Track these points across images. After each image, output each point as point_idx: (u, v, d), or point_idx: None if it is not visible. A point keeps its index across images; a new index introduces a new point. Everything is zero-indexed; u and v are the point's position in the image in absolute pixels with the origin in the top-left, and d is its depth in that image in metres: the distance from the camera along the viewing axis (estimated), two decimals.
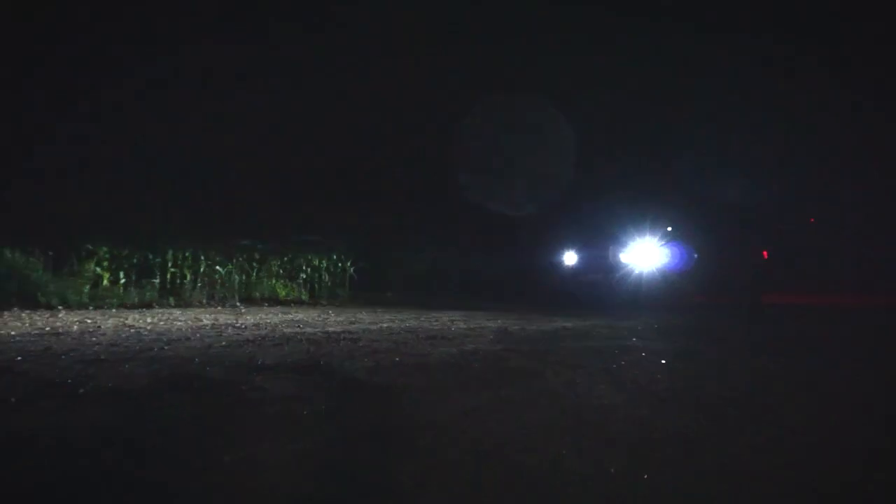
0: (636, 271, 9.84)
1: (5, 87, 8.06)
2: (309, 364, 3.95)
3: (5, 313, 7.48)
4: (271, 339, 5.25)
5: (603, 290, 10.05)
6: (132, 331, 5.75)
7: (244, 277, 9.99)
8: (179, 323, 6.66)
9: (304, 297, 10.14)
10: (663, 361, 4.43)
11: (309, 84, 10.21)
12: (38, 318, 6.96)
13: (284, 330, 6.10)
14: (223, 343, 4.95)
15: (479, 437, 2.47)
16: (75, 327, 5.97)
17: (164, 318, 7.33)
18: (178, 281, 9.61)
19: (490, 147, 11.85)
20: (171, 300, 9.28)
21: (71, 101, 8.41)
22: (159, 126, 9.11)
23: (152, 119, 9.10)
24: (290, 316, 7.87)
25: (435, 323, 6.96)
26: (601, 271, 10.16)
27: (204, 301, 9.58)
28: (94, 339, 5.06)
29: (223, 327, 6.27)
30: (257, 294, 9.90)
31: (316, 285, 10.27)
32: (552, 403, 3.01)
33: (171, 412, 2.67)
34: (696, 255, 10.31)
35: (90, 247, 8.99)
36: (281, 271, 10.23)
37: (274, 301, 9.95)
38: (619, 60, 12.59)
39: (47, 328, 5.84)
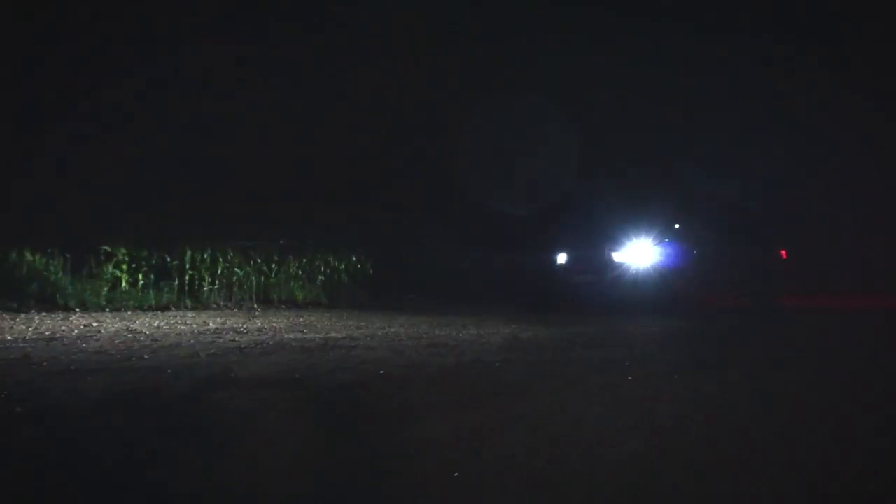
0: (632, 270, 9.19)
1: (6, 87, 8.13)
2: (285, 377, 3.70)
3: (21, 316, 7.51)
4: (264, 347, 5.03)
5: (596, 290, 9.45)
6: (130, 336, 5.62)
7: (263, 279, 9.86)
8: (183, 327, 6.53)
9: (322, 299, 9.96)
10: (676, 376, 4.01)
11: (309, 84, 10.07)
12: (49, 321, 6.94)
13: (285, 335, 5.89)
14: (212, 351, 4.75)
15: (433, 473, 2.15)
16: (76, 332, 5.88)
17: (173, 321, 7.22)
18: (197, 283, 9.55)
19: (490, 147, 11.53)
20: (188, 302, 9.22)
21: (72, 101, 8.43)
22: (161, 126, 9.06)
23: (153, 119, 9.07)
24: (301, 319, 7.68)
25: (445, 328, 6.65)
26: (595, 271, 9.53)
27: (221, 303, 9.50)
28: (84, 345, 4.93)
29: (224, 332, 6.10)
30: (275, 296, 9.76)
31: (335, 287, 10.07)
32: (533, 432, 2.66)
33: (97, 438, 2.43)
34: (696, 254, 9.60)
35: (108, 249, 8.99)
36: (300, 273, 10.06)
37: (292, 304, 9.80)
38: (620, 60, 12.28)
39: (48, 332, 5.76)
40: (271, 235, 9.75)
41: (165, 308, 8.90)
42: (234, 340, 5.42)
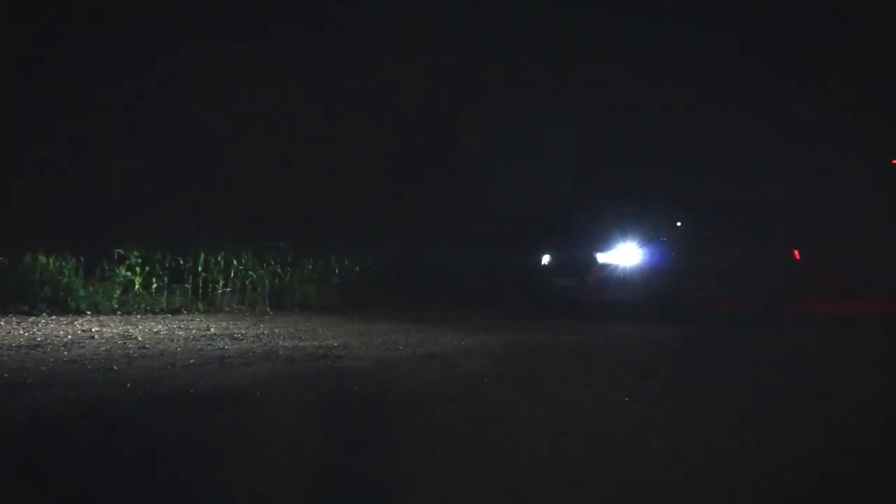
0: (618, 272, 8.46)
1: (14, 88, 8.12)
2: (247, 394, 3.43)
3: (29, 320, 7.47)
4: (249, 356, 4.78)
5: (577, 295, 8.76)
6: (120, 343, 5.45)
7: (277, 281, 9.69)
8: (181, 332, 6.36)
9: (336, 302, 9.72)
10: (678, 395, 3.59)
11: (312, 85, 9.90)
12: (52, 325, 6.86)
13: (280, 342, 5.64)
14: (191, 360, 4.52)
15: None
16: (69, 338, 5.74)
17: (176, 325, 7.07)
18: (211, 286, 9.42)
19: (489, 147, 11.20)
20: (200, 305, 9.10)
21: (81, 102, 8.40)
22: (171, 126, 8.98)
23: (163, 119, 8.99)
24: (308, 324, 7.45)
25: (449, 335, 6.32)
26: (576, 274, 8.70)
27: (234, 306, 9.36)
28: (65, 353, 4.77)
29: (220, 338, 5.90)
30: (288, 299, 9.56)
31: (349, 289, 9.83)
32: (489, 484, 2.31)
33: None
34: (694, 254, 8.84)
35: (121, 251, 8.93)
36: (315, 275, 9.85)
37: (306, 306, 9.59)
38: (619, 61, 12.04)
39: (39, 338, 5.64)
40: (283, 236, 9.56)
41: (177, 311, 8.79)
42: (222, 348, 5.20)
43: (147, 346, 5.28)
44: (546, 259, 9.35)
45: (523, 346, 5.58)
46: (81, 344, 5.29)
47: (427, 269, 9.97)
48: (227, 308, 9.28)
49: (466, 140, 10.77)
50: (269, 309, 9.34)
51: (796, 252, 9.86)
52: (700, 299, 9.22)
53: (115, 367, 4.12)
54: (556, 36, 11.38)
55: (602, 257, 8.60)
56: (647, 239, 8.76)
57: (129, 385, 3.56)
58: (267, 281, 9.56)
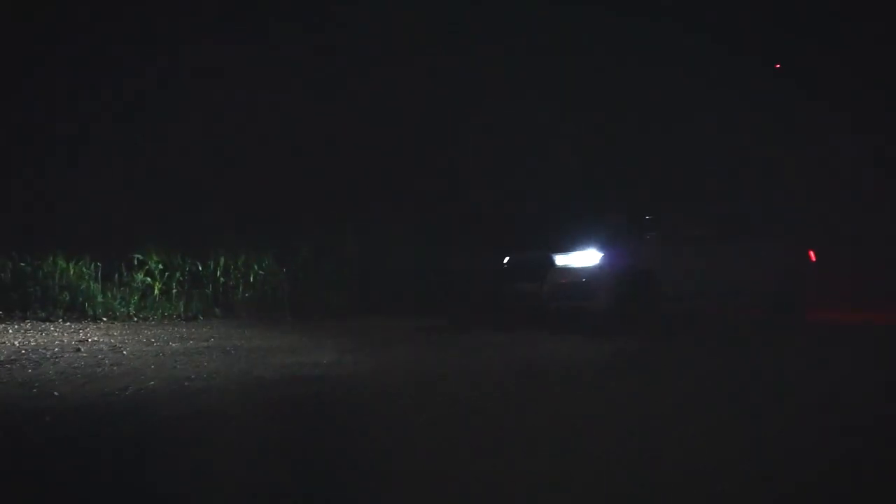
0: (577, 278, 7.13)
1: (11, 88, 8.09)
2: (166, 437, 2.98)
3: (41, 325, 7.37)
4: (216, 379, 4.35)
5: (536, 302, 7.52)
6: (99, 357, 5.15)
7: (297, 286, 9.34)
8: (175, 344, 6.04)
9: (353, 306, 9.28)
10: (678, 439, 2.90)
11: (306, 85, 9.60)
12: (56, 332, 6.70)
13: (266, 359, 5.23)
14: (151, 383, 4.13)
15: None
16: (56, 349, 5.51)
17: (179, 335, 6.77)
18: (231, 290, 9.17)
19: (484, 146, 10.64)
20: (218, 311, 8.85)
21: (78, 101, 8.32)
22: (183, 128, 8.82)
23: (175, 121, 8.83)
24: (316, 333, 7.06)
25: (459, 348, 5.76)
26: (534, 278, 7.49)
27: (254, 311, 9.05)
28: (30, 371, 4.49)
29: (208, 352, 5.56)
30: (308, 305, 9.19)
31: (366, 293, 9.39)
32: None
33: None
34: (683, 255, 7.57)
35: (140, 256, 8.78)
36: (330, 279, 9.45)
37: (323, 311, 9.17)
38: (620, 61, 11.40)
39: (25, 350, 5.43)
40: (298, 240, 9.25)
41: (194, 318, 8.53)
42: (198, 366, 4.80)
43: (123, 362, 4.95)
44: (506, 261, 8.27)
45: (531, 365, 4.95)
46: (57, 359, 5.01)
47: (448, 272, 9.41)
48: (245, 314, 8.98)
49: (463, 140, 10.29)
50: (288, 316, 8.98)
51: (811, 253, 8.50)
52: (682, 308, 7.82)
53: (57, 394, 3.76)
54: (556, 36, 10.91)
55: (561, 259, 7.46)
56: (617, 237, 7.75)
57: (48, 419, 3.17)
58: (286, 285, 9.23)
